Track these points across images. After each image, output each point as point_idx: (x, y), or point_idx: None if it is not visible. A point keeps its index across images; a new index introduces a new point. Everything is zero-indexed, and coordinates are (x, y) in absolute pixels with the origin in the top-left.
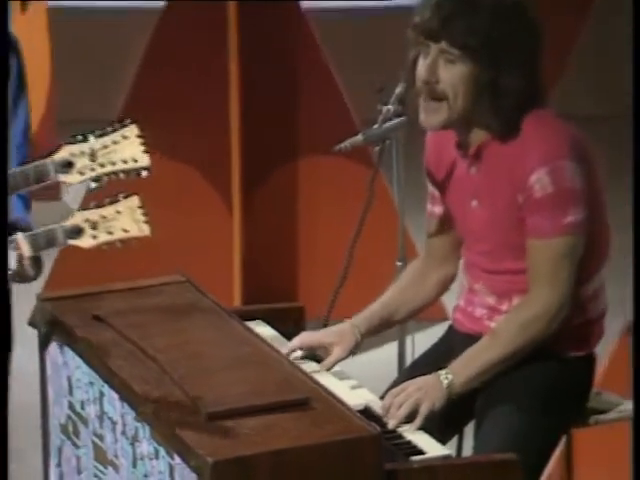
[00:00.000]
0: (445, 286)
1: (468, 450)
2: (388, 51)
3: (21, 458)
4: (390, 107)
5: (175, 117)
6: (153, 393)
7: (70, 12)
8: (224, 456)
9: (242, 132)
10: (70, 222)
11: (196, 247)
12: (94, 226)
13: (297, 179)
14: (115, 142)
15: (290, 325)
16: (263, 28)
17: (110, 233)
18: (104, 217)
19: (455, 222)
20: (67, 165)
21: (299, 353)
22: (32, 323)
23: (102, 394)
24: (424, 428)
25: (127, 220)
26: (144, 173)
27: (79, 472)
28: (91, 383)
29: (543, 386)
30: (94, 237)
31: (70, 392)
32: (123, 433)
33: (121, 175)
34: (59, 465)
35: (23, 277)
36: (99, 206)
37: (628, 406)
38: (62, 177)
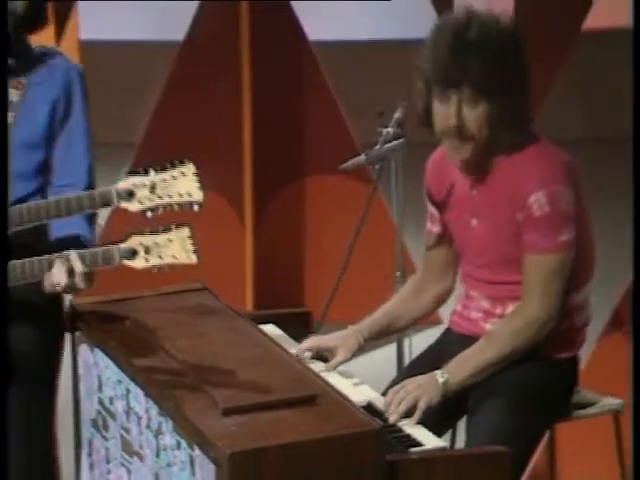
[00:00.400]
0: (442, 300)
1: (461, 443)
2: (386, 81)
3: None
4: (390, 129)
5: (193, 141)
6: (175, 390)
7: (98, 44)
8: (240, 448)
9: (254, 154)
10: (126, 244)
11: (212, 257)
12: (147, 250)
13: (304, 195)
14: (174, 177)
15: (298, 328)
16: (273, 62)
17: (160, 258)
18: (157, 243)
19: (455, 238)
20: (130, 194)
21: (308, 354)
22: (65, 327)
23: (129, 391)
24: (422, 422)
25: (177, 248)
26: (196, 207)
27: (108, 462)
28: (119, 381)
29: (531, 384)
30: (146, 260)
31: (100, 389)
32: (148, 426)
33: (175, 207)
34: (90, 455)
35: (73, 290)
36: (153, 232)
37: (607, 402)
38: (124, 204)
